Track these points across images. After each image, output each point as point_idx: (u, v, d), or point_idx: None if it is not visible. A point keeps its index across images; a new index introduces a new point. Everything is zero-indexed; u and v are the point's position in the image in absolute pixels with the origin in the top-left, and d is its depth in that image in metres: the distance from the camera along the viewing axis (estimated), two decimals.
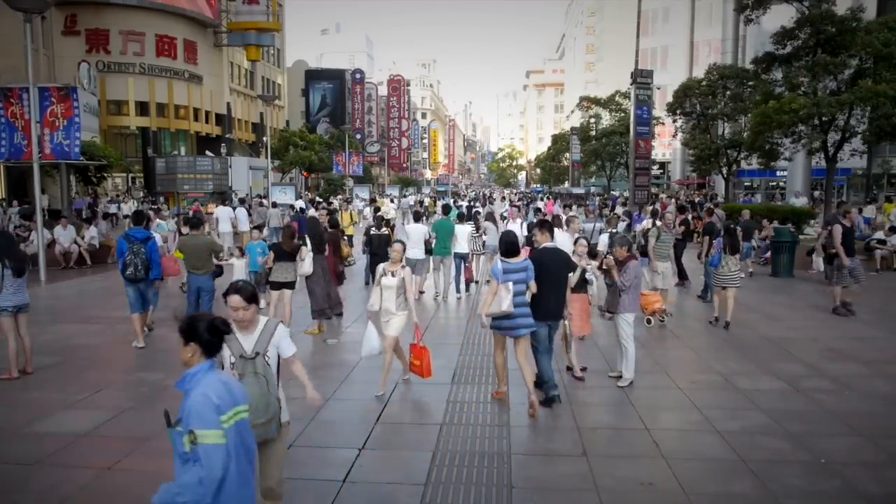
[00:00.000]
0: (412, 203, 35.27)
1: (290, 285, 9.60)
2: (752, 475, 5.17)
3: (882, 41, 17.93)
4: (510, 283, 6.36)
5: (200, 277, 9.29)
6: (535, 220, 10.02)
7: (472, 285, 13.86)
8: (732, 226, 11.84)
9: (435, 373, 7.89)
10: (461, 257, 13.08)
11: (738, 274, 10.20)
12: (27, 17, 14.82)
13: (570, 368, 7.85)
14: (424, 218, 14.98)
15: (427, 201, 37.90)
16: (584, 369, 7.78)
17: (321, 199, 29.54)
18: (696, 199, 34.54)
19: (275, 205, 25.42)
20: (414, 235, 12.49)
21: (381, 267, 7.31)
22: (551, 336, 6.96)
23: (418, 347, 6.99)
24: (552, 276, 6.78)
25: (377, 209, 20.60)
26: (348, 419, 6.39)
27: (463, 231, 13.20)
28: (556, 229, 9.21)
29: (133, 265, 8.82)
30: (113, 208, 30.55)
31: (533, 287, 6.56)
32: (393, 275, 7.10)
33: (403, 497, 4.81)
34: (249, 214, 21.80)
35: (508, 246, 6.70)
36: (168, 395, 7.01)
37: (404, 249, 7.53)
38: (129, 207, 27.92)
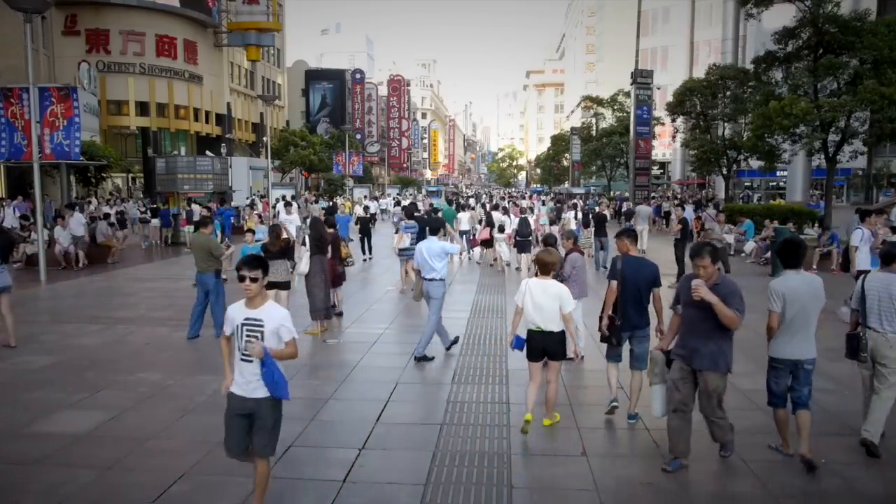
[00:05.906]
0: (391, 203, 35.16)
1: (284, 286, 9.64)
2: (753, 475, 5.17)
3: (889, 44, 17.84)
4: (407, 234, 13.05)
5: (203, 276, 9.48)
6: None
7: (476, 249, 18.47)
8: (589, 214, 18.86)
9: (435, 373, 7.92)
10: (464, 233, 18.55)
11: (588, 241, 17.17)
12: (27, 17, 14.81)
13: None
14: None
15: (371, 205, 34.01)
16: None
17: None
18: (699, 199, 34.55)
19: (317, 200, 25.97)
20: (464, 218, 19.08)
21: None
22: None
23: None
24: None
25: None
26: (348, 419, 6.39)
27: (464, 216, 19.42)
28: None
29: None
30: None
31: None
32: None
33: (403, 497, 4.81)
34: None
35: (408, 214, 14.06)
36: (168, 395, 7.02)
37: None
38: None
